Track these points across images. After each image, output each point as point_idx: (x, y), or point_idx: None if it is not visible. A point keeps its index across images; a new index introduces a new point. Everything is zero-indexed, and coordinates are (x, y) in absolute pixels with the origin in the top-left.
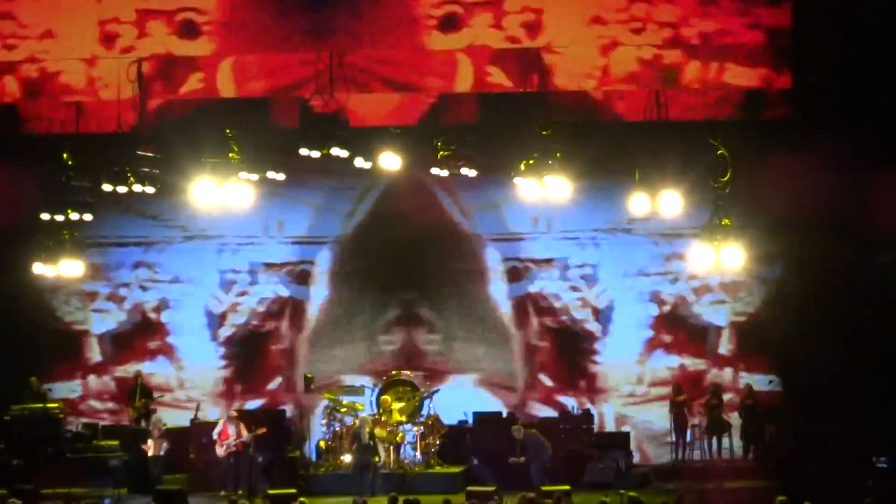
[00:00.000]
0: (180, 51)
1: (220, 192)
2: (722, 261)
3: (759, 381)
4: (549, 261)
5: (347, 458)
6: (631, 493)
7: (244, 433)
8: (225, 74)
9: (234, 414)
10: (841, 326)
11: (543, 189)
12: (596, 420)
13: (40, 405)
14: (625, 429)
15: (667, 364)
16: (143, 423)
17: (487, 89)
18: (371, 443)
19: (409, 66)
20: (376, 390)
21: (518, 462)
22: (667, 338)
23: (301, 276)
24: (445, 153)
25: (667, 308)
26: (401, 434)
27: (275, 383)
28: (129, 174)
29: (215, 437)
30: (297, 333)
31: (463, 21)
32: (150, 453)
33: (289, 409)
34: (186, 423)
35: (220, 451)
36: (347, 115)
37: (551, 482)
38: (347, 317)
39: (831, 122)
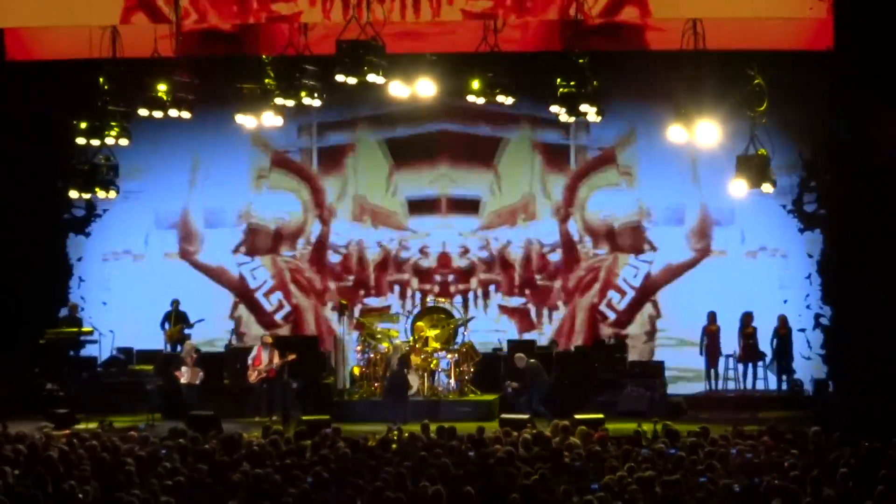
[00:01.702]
0: None
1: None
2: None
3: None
4: None
5: (381, 384)
6: (665, 423)
7: (276, 360)
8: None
9: (269, 340)
10: (881, 259)
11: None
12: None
13: (75, 329)
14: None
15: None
16: (178, 349)
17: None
18: (405, 370)
19: None
20: (411, 317)
21: (513, 386)
22: None
23: None
24: (482, 80)
25: None
26: (435, 361)
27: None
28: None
29: (249, 362)
30: None
31: None
32: (182, 379)
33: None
34: (221, 349)
35: (252, 376)
36: (384, 41)
37: (552, 413)
38: None
39: (870, 54)
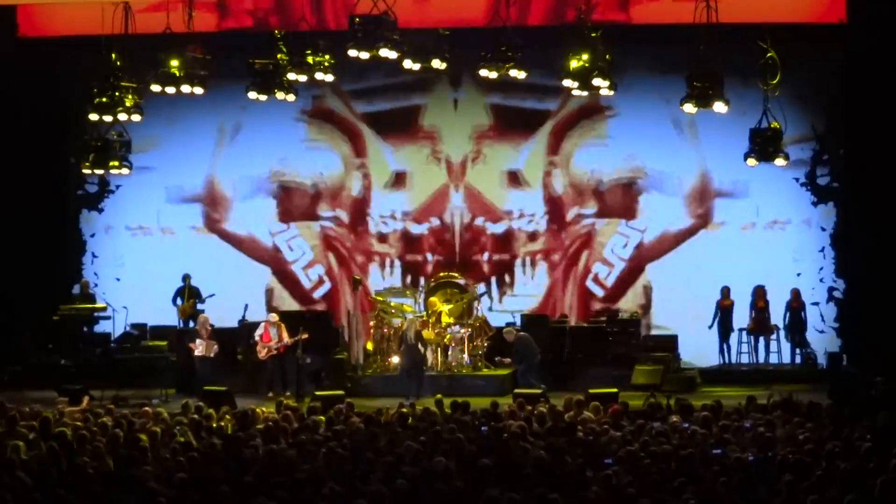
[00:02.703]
0: None
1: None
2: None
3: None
4: None
5: (395, 360)
6: (678, 396)
7: (285, 337)
8: None
9: (275, 318)
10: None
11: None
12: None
13: (89, 305)
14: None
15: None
16: (190, 324)
17: None
18: (418, 345)
19: None
20: (424, 292)
21: (503, 362)
22: None
23: None
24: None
25: None
26: (448, 336)
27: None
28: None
29: (257, 338)
30: None
31: None
32: (197, 352)
33: None
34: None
35: (262, 353)
36: (395, 15)
37: (546, 383)
38: None
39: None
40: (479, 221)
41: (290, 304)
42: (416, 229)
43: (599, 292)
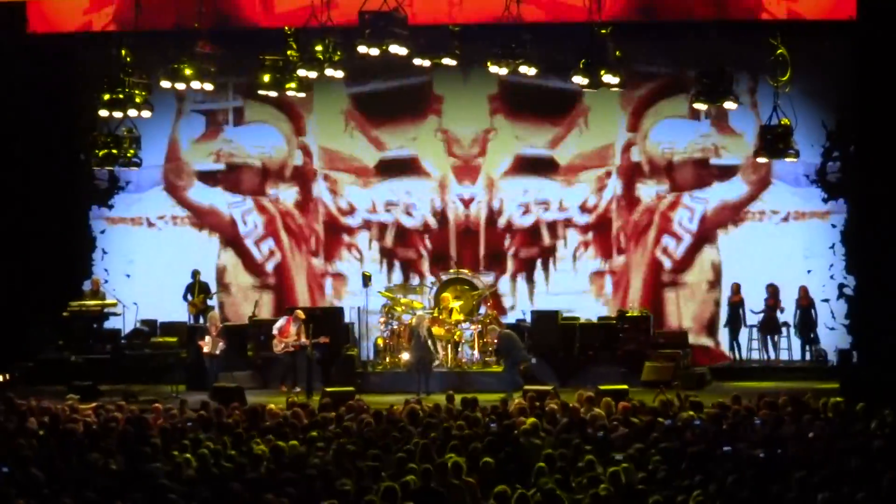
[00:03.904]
0: None
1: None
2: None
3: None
4: None
5: (405, 356)
6: (688, 393)
7: (303, 337)
8: None
9: (302, 316)
10: None
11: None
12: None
13: (98, 302)
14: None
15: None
16: (200, 320)
17: None
18: (429, 341)
19: None
20: (434, 288)
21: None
22: None
23: None
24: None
25: None
26: (459, 332)
27: None
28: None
29: (275, 331)
30: None
31: None
32: (205, 349)
33: None
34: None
35: (278, 347)
36: (406, 11)
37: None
38: None
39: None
40: (508, 213)
41: (245, 280)
42: (408, 221)
43: (668, 264)
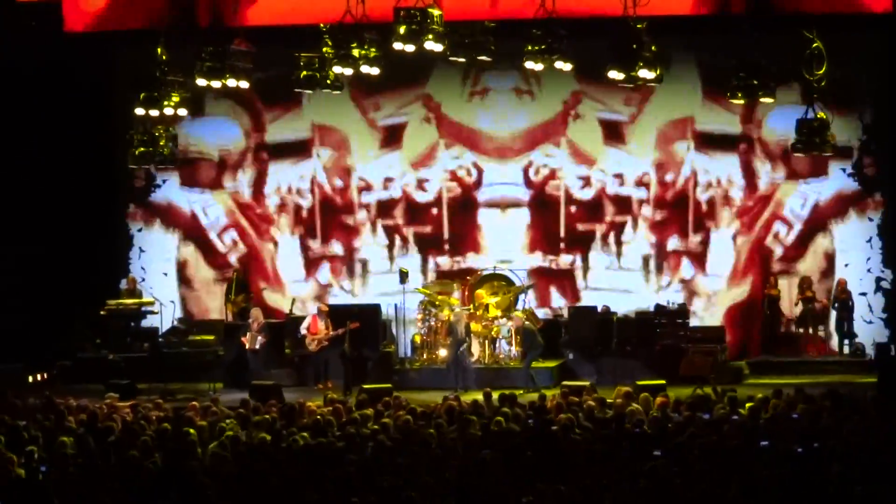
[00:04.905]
0: None
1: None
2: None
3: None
4: None
5: (442, 352)
6: (725, 388)
7: (331, 328)
8: None
9: (325, 308)
10: None
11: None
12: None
13: (135, 300)
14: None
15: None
16: (240, 319)
17: None
18: (466, 337)
19: None
20: (470, 285)
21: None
22: None
23: None
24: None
25: None
26: (496, 328)
27: None
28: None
29: (304, 331)
30: None
31: None
32: (247, 346)
33: None
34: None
35: (312, 345)
36: (441, 7)
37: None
38: None
39: None
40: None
41: (206, 274)
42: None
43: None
